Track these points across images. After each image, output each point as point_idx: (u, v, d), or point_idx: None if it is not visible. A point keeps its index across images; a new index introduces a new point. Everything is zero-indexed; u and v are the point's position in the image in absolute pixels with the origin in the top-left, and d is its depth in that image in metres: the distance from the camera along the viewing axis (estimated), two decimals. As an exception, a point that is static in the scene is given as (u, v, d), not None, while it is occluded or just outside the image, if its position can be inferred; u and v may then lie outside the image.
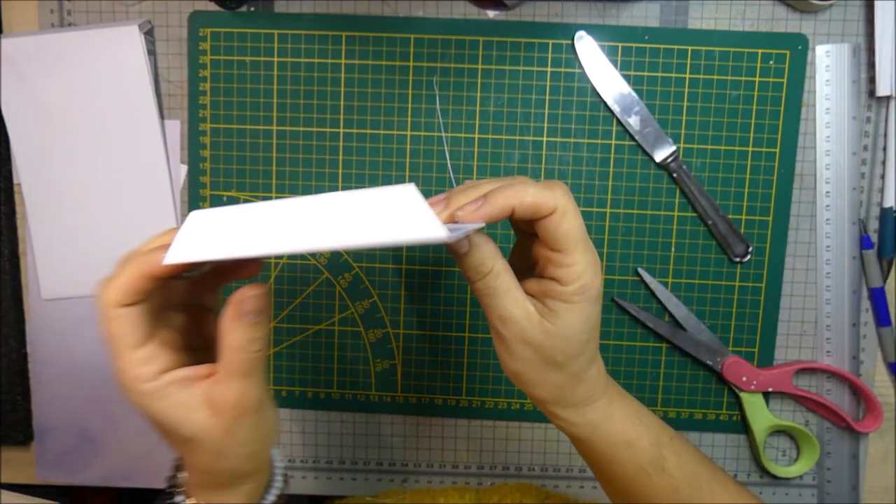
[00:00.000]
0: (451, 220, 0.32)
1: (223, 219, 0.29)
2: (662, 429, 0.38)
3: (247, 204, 0.29)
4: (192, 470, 0.35)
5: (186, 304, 0.36)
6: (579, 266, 0.32)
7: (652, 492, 0.37)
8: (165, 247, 0.31)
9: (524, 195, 0.31)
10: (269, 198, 0.56)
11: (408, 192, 0.27)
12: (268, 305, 0.32)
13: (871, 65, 0.53)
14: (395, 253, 0.56)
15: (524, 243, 0.36)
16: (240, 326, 0.31)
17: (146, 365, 0.31)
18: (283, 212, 0.28)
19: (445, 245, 0.31)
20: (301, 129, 0.56)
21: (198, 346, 0.35)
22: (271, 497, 0.37)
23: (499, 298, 0.33)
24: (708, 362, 0.55)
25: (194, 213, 0.29)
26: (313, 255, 0.56)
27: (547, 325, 0.33)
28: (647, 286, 0.56)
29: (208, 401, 0.32)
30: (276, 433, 0.36)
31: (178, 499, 0.35)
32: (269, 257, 0.27)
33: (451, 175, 0.55)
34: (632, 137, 0.54)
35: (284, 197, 0.55)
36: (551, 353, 0.33)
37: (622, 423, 0.37)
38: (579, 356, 0.34)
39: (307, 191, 0.56)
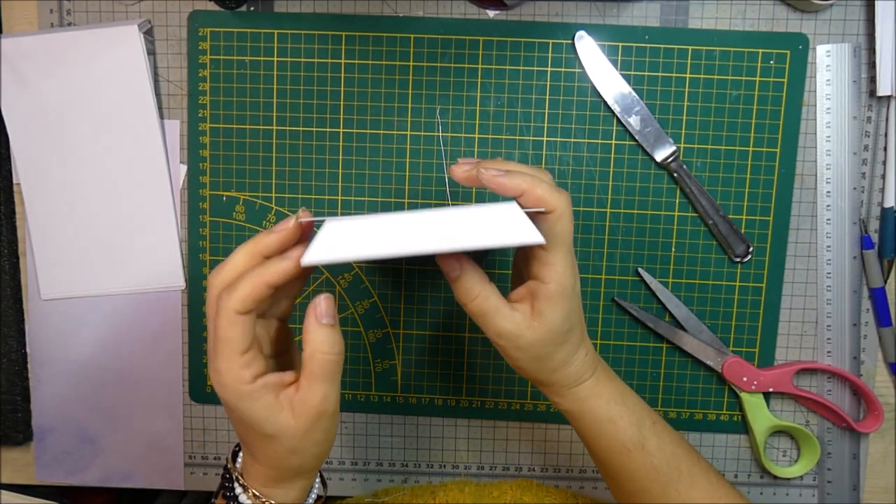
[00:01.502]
0: (474, 181, 0.37)
1: (352, 226, 0.33)
2: (645, 412, 0.43)
3: (374, 214, 0.34)
4: (261, 463, 0.38)
5: (266, 316, 0.39)
6: (560, 266, 0.37)
7: (633, 467, 0.41)
8: (285, 257, 0.35)
9: (537, 186, 0.36)
10: (269, 198, 0.56)
11: (511, 208, 0.34)
12: (336, 310, 0.36)
13: (872, 64, 0.53)
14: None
15: (519, 252, 0.42)
16: (320, 329, 0.34)
17: (247, 369, 0.34)
18: (407, 221, 0.33)
19: (441, 267, 0.38)
20: (301, 129, 0.56)
21: (274, 353, 0.39)
22: (312, 498, 0.41)
23: (490, 318, 0.38)
24: (708, 362, 0.55)
25: (329, 221, 0.34)
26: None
27: (535, 325, 0.38)
28: (647, 286, 0.55)
29: (291, 405, 0.35)
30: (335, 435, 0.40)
31: (237, 490, 0.38)
32: (393, 259, 0.35)
33: (448, 188, 0.55)
34: (632, 137, 0.54)
35: (284, 196, 0.56)
36: (541, 348, 0.39)
37: (607, 402, 0.41)
38: (565, 344, 0.39)
39: (307, 191, 0.56)
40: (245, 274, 0.34)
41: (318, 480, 0.42)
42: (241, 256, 0.36)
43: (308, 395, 0.35)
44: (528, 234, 0.34)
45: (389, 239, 0.33)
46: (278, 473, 0.37)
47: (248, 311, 0.34)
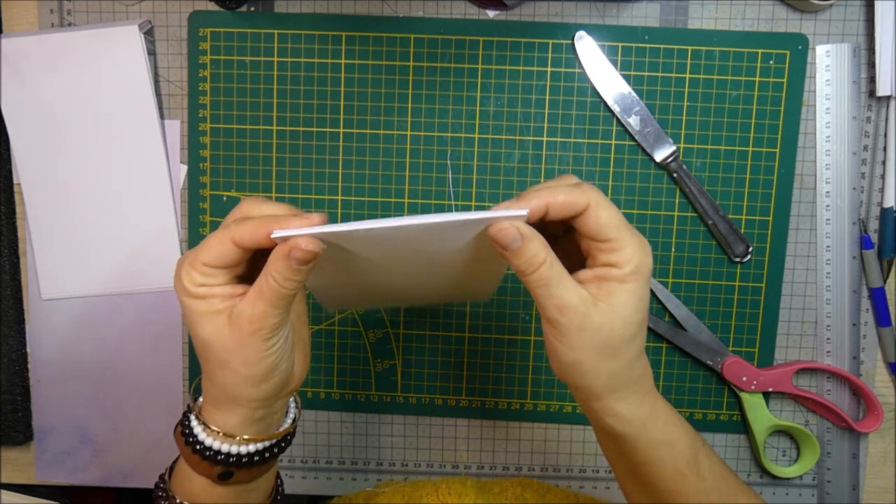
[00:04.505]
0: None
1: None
2: (696, 433, 0.39)
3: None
4: (204, 378, 0.38)
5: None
6: (630, 248, 0.34)
7: (685, 494, 0.38)
8: (284, 218, 0.34)
9: (557, 194, 0.34)
10: (269, 198, 0.56)
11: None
12: (315, 261, 0.34)
13: (872, 65, 0.53)
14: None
15: (561, 247, 0.38)
16: (284, 264, 0.33)
17: (201, 275, 0.35)
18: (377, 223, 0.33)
19: (499, 242, 0.34)
20: (301, 129, 0.56)
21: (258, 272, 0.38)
22: (284, 426, 0.40)
23: (553, 287, 0.34)
24: (708, 362, 0.55)
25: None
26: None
27: (603, 305, 0.34)
28: (647, 286, 0.56)
29: (231, 312, 0.35)
30: (288, 382, 0.38)
31: (191, 417, 0.38)
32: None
33: (451, 189, 0.55)
34: (632, 137, 0.54)
35: (284, 196, 0.56)
36: (608, 336, 0.34)
37: (665, 423, 0.38)
38: (633, 340, 0.35)
39: (307, 191, 0.56)
40: (262, 216, 0.35)
41: (293, 407, 0.41)
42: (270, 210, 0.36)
43: (247, 305, 0.34)
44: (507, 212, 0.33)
45: (368, 225, 0.33)
46: (216, 392, 0.37)
47: (240, 246, 0.34)
